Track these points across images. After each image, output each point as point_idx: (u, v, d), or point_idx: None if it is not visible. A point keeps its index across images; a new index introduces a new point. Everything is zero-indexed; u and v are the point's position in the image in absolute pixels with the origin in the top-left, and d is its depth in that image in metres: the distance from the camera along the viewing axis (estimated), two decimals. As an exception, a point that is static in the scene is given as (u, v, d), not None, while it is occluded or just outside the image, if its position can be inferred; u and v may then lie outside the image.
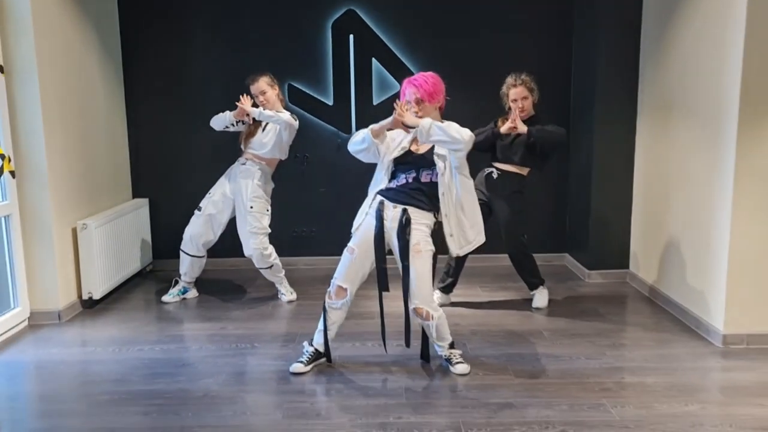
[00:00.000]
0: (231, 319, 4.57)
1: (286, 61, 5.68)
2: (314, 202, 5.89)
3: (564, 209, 5.95)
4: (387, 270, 3.56)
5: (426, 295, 3.50)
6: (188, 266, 4.92)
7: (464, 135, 3.39)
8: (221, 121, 4.77)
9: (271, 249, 4.82)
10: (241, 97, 4.59)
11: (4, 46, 4.19)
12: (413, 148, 3.63)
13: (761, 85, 3.70)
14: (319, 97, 5.77)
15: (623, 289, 5.20)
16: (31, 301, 4.45)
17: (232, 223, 4.88)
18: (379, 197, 3.61)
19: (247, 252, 4.81)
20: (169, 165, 5.83)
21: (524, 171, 4.59)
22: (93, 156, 5.07)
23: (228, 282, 5.46)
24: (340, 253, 3.65)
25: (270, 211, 4.81)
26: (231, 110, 4.71)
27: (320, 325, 3.67)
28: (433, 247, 3.57)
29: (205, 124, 4.88)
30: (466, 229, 3.63)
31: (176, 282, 5.02)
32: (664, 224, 4.73)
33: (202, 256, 4.93)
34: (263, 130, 4.73)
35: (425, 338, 3.74)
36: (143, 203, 5.73)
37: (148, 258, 5.75)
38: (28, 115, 4.28)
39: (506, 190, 4.56)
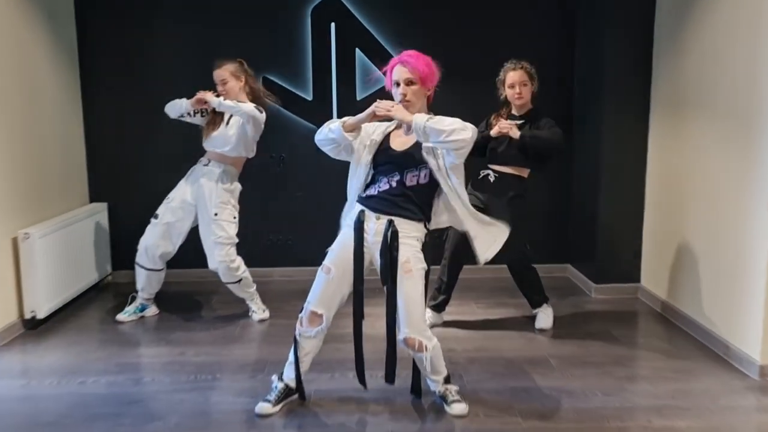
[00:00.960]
0: (192, 342, 4.00)
1: (260, 52, 5.13)
2: (291, 206, 5.34)
3: (566, 215, 5.43)
4: (363, 293, 3.01)
5: (418, 322, 2.95)
6: (145, 281, 4.35)
7: (468, 130, 2.82)
8: (176, 109, 4.25)
9: (239, 261, 4.27)
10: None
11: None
12: (395, 144, 3.03)
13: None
14: (296, 92, 5.22)
15: (634, 305, 4.67)
16: (-39, 323, 3.86)
17: (196, 231, 4.31)
18: (359, 206, 3.05)
19: (212, 265, 4.26)
20: (130, 166, 5.25)
21: (524, 172, 4.07)
22: (41, 157, 4.49)
23: (193, 297, 4.88)
24: (319, 264, 3.07)
25: (237, 218, 4.26)
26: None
27: (291, 357, 3.11)
28: (425, 264, 3.00)
29: (171, 121, 4.35)
30: (488, 226, 3.10)
31: (133, 298, 4.44)
32: (682, 235, 4.21)
33: (161, 269, 4.36)
34: (227, 123, 4.18)
35: (416, 370, 3.17)
36: (101, 208, 5.16)
37: (106, 269, 5.17)
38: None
39: (506, 195, 4.02)
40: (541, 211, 5.21)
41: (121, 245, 5.20)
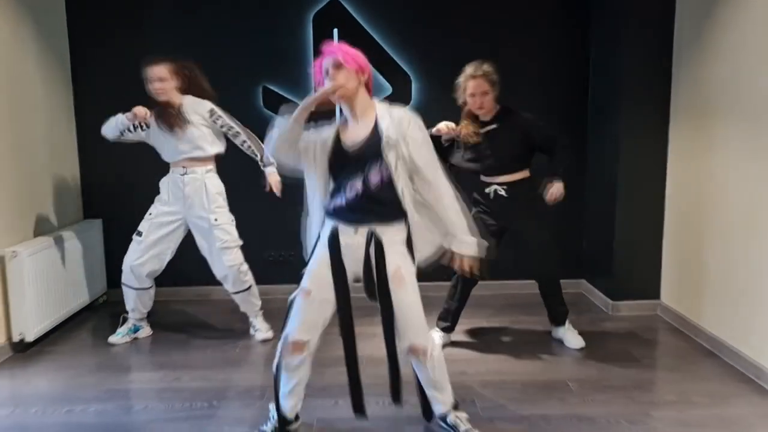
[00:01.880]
0: (189, 366, 3.77)
1: (260, 60, 4.94)
2: (291, 221, 5.09)
3: (579, 227, 5.20)
4: (351, 313, 2.71)
5: (420, 326, 2.70)
6: (134, 301, 4.13)
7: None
8: (112, 127, 4.03)
9: (247, 266, 4.09)
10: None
11: None
12: (347, 142, 2.70)
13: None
14: (298, 101, 4.97)
15: (655, 324, 4.43)
16: (-56, 347, 3.66)
17: (193, 245, 4.10)
18: (330, 222, 2.75)
19: (220, 273, 4.05)
20: (126, 180, 5.03)
21: (526, 173, 3.86)
22: (32, 172, 4.30)
23: (190, 316, 4.66)
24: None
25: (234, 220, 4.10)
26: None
27: (282, 389, 2.80)
28: (413, 263, 2.73)
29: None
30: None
31: (125, 319, 4.23)
32: (707, 249, 3.97)
33: (149, 287, 4.14)
34: (190, 122, 3.94)
35: (422, 391, 2.90)
36: (95, 224, 4.95)
37: (100, 288, 4.95)
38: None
39: (523, 203, 3.80)
40: (552, 223, 4.98)
41: (117, 263, 4.88)
